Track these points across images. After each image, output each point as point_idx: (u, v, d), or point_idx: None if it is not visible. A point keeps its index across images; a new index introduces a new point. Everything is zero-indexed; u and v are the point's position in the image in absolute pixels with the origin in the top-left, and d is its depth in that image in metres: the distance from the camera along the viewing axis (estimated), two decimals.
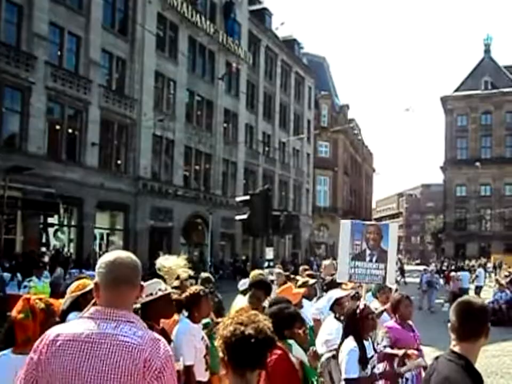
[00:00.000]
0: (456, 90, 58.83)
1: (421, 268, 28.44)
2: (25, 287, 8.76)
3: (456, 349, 2.31)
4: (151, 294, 3.44)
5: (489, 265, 38.41)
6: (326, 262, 8.58)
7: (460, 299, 2.50)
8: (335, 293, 5.13)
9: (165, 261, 4.71)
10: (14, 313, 2.72)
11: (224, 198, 30.81)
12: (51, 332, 1.90)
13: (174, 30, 27.70)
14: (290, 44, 42.36)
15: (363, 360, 3.72)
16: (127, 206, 24.07)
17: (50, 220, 20.48)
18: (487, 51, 59.66)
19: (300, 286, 5.98)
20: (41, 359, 1.84)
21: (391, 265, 5.54)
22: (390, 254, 5.54)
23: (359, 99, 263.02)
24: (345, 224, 5.72)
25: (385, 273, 5.56)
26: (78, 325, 1.88)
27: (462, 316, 2.33)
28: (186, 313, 4.21)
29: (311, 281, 6.48)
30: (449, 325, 2.38)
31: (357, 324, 3.82)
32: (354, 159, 59.63)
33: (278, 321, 3.18)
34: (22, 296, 2.87)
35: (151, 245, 25.03)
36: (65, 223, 21.68)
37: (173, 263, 4.71)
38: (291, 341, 3.22)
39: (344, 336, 3.92)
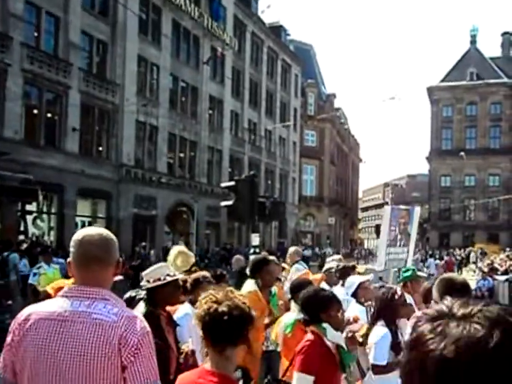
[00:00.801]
0: (442, 80, 59.15)
1: None
2: (34, 274, 8.41)
3: None
4: (159, 279, 3.34)
5: (472, 254, 38.70)
6: (291, 249, 8.28)
7: (441, 276, 2.60)
8: (355, 279, 4.95)
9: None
10: None
11: (209, 186, 30.31)
12: (23, 312, 1.85)
13: (157, 13, 26.93)
14: (277, 30, 41.76)
15: (396, 346, 3.57)
16: (110, 194, 23.45)
17: (28, 207, 19.85)
18: (473, 42, 59.91)
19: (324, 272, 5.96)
20: (14, 339, 1.80)
21: (412, 247, 5.40)
22: (412, 237, 5.42)
23: (346, 88, 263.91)
24: (386, 210, 5.67)
25: (407, 256, 5.38)
26: (50, 304, 1.85)
27: (443, 291, 2.33)
28: (189, 298, 4.22)
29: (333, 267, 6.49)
30: (432, 302, 2.44)
31: (392, 309, 3.70)
32: (341, 148, 59.51)
33: (314, 304, 3.20)
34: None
35: (134, 234, 24.52)
36: (45, 210, 21.01)
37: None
38: (325, 325, 3.13)
39: (374, 320, 3.80)
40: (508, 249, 34.43)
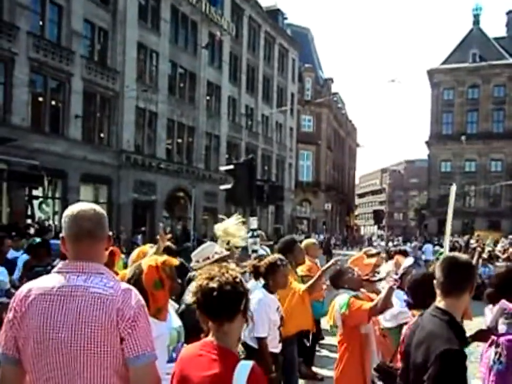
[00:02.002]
0: (443, 63, 58.70)
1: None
2: None
3: (441, 304, 2.40)
4: (208, 258, 3.71)
5: (472, 241, 40.08)
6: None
7: (445, 255, 2.66)
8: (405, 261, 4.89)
9: (224, 223, 4.98)
10: (145, 281, 2.73)
11: (206, 172, 32.17)
12: (23, 288, 1.97)
13: None
14: (274, 14, 43.18)
15: None
16: (110, 179, 25.22)
17: (35, 192, 21.53)
18: (476, 22, 59.38)
19: (369, 256, 6.12)
20: (16, 316, 1.91)
21: (449, 226, 5.66)
22: (450, 214, 5.72)
23: (344, 73, 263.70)
24: (450, 205, 5.69)
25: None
26: (48, 280, 1.95)
27: (447, 271, 2.40)
28: (262, 282, 4.20)
29: (375, 251, 6.75)
30: (434, 282, 2.46)
31: None
32: (338, 133, 61.07)
33: (422, 289, 3.15)
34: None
35: (134, 218, 26.37)
36: (50, 195, 22.77)
37: (232, 225, 4.89)
38: None
39: None
40: (510, 236, 34.98)
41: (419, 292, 3.17)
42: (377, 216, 56.58)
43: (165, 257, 3.06)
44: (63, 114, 22.82)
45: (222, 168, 15.69)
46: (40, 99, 22.16)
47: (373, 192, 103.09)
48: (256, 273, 4.15)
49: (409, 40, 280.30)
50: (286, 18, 47.00)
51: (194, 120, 31.69)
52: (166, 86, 29.11)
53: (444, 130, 58.77)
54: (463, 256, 2.55)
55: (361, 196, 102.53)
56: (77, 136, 23.29)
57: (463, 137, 51.68)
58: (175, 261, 2.97)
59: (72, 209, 2.02)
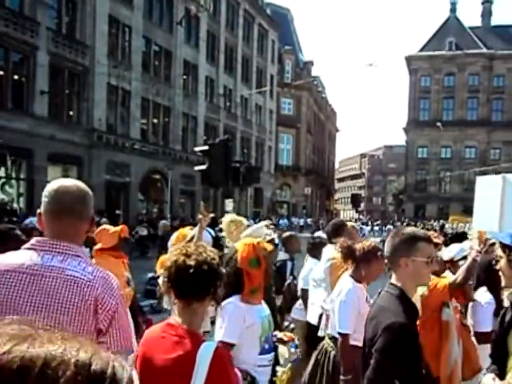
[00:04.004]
0: (421, 49, 59.47)
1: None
2: None
3: (392, 279, 2.34)
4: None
5: (447, 225, 39.92)
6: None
7: (393, 230, 2.60)
8: (467, 245, 4.57)
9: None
10: (240, 260, 2.64)
11: (184, 154, 30.48)
12: None
13: None
14: None
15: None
16: (81, 159, 23.45)
17: None
18: (452, 10, 60.24)
19: None
20: None
21: None
22: None
23: (324, 56, 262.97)
24: None
25: None
26: (17, 255, 1.74)
27: (391, 243, 2.34)
28: (350, 270, 3.79)
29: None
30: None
31: (494, 275, 3.43)
32: (318, 117, 60.07)
33: None
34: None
35: (107, 201, 24.64)
36: (14, 176, 20.98)
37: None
38: None
39: (475, 286, 3.57)
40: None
41: None
42: (355, 200, 56.26)
43: (260, 239, 3.05)
44: (28, 89, 20.89)
45: (197, 148, 14.76)
46: (1, 73, 20.18)
47: (352, 177, 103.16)
48: (348, 256, 3.75)
49: (388, 25, 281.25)
50: None
51: (170, 99, 29.83)
52: (140, 63, 27.20)
53: (420, 117, 60.28)
54: (407, 229, 2.46)
55: (340, 180, 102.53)
56: (43, 113, 21.41)
57: (439, 124, 51.70)
58: (270, 247, 2.86)
59: (54, 184, 1.81)
